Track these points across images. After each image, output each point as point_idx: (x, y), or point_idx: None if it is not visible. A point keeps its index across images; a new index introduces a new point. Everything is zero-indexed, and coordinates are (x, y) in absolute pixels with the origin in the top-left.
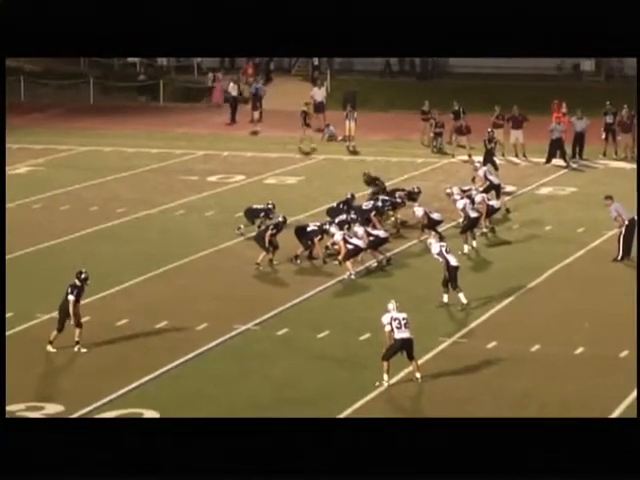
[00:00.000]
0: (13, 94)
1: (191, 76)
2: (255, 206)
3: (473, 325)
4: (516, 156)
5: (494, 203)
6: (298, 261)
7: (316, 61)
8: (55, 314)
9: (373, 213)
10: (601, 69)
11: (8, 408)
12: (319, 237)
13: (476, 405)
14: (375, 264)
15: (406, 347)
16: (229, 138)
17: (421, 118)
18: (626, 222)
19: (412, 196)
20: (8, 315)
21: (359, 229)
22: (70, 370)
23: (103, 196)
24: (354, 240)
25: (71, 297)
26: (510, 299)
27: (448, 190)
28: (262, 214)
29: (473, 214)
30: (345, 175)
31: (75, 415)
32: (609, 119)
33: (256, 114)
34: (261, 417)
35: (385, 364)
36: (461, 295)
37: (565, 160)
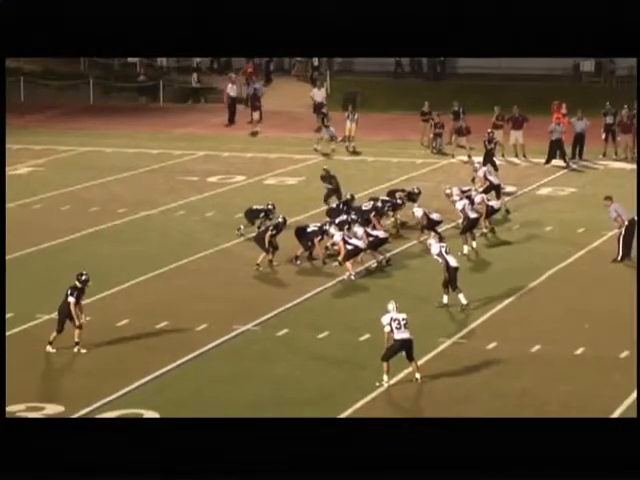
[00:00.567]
0: (13, 94)
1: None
2: (255, 207)
3: (473, 325)
4: (516, 157)
5: (494, 204)
6: (298, 262)
7: (316, 62)
8: (55, 314)
9: (373, 214)
10: (601, 70)
11: (8, 408)
12: (319, 238)
13: (476, 405)
14: (375, 265)
15: (406, 348)
16: (229, 138)
17: (421, 119)
18: (626, 223)
19: (412, 197)
20: (8, 315)
21: (359, 230)
22: (70, 370)
23: (103, 196)
24: (354, 241)
25: (71, 299)
26: (510, 299)
27: (447, 191)
28: (262, 215)
29: (472, 215)
30: (345, 175)
31: (75, 415)
32: (609, 120)
33: (256, 115)
34: (261, 417)
35: (385, 365)
36: (461, 296)
37: (565, 161)
